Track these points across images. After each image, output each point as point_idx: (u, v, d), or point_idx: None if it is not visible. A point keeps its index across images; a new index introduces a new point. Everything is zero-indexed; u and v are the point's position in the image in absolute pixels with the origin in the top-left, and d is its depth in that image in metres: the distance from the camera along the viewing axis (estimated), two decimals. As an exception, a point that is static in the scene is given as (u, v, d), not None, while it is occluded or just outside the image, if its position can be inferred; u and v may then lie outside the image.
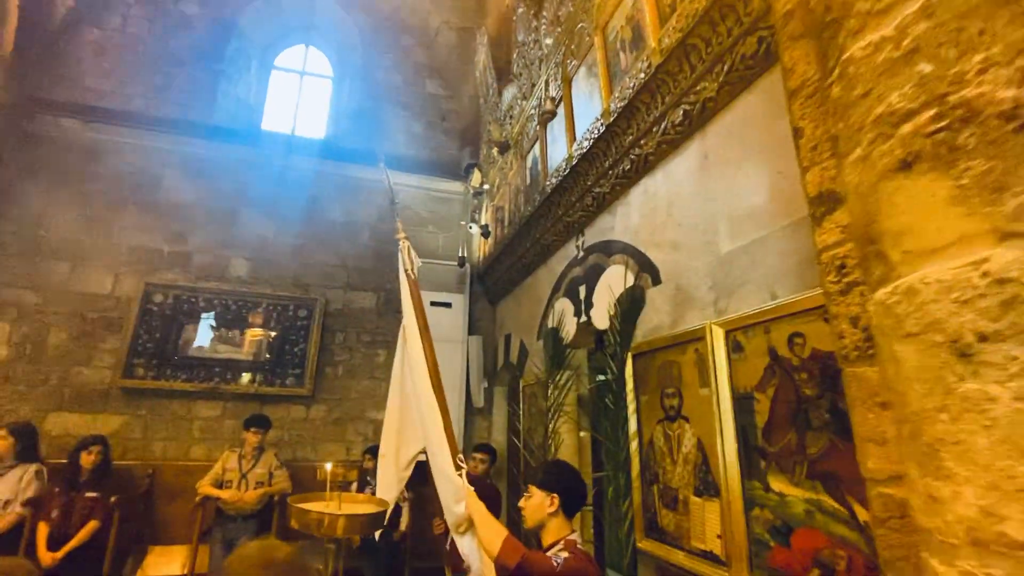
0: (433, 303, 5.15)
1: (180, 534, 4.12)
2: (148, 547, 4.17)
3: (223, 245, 5.17)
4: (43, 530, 3.60)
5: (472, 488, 1.83)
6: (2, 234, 4.64)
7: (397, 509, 4.41)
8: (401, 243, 2.39)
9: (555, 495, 1.72)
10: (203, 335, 4.82)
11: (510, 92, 4.35)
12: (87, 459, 3.84)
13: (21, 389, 4.39)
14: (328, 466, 2.27)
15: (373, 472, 4.44)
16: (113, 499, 3.79)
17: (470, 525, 1.82)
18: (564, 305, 3.48)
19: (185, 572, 3.87)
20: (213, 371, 4.75)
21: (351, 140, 5.88)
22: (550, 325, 3.66)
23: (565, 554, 1.56)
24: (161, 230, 5.03)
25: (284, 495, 4.28)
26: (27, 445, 3.89)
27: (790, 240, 1.68)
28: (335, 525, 1.98)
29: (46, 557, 3.51)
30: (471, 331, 5.26)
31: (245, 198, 5.31)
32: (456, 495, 1.86)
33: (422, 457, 3.34)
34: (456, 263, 5.18)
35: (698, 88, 2.12)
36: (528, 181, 3.97)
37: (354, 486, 4.46)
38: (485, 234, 4.39)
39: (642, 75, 2.34)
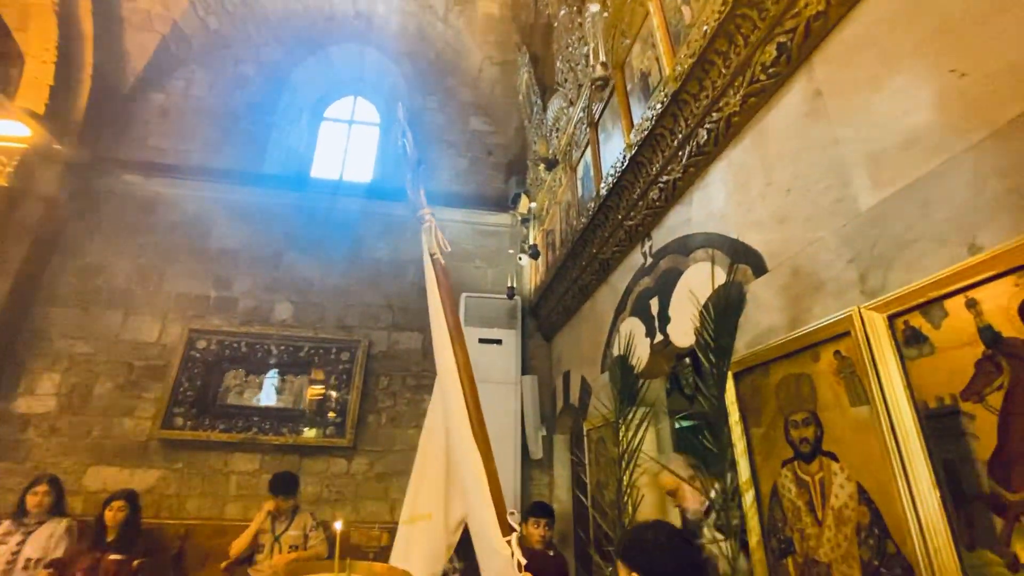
0: (482, 340, 4.68)
1: (208, 607, 3.66)
2: (174, 621, 3.74)
3: (268, 289, 5.03)
4: (63, 599, 3.25)
5: (524, 562, 1.26)
6: (63, 286, 4.72)
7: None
8: (425, 219, 1.94)
9: (635, 574, 1.15)
10: (266, 390, 4.57)
11: (555, 104, 4.02)
12: (110, 516, 3.54)
13: (64, 441, 4.26)
14: (338, 525, 1.76)
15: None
16: (136, 563, 3.42)
17: None
18: (632, 326, 2.89)
19: (208, 654, 3.37)
20: (251, 420, 4.45)
21: (397, 180, 5.75)
22: (616, 353, 3.06)
23: None
24: (208, 276, 4.97)
25: (319, 558, 3.76)
26: (59, 498, 3.67)
27: (995, 157, 1.08)
28: None
29: (62, 634, 3.14)
30: (524, 371, 4.70)
31: (291, 241, 5.21)
32: (504, 574, 1.28)
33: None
34: (505, 296, 4.73)
35: (794, 10, 1.62)
36: (580, 192, 3.52)
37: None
38: (534, 255, 3.93)
39: (716, 15, 1.88)
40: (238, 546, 3.65)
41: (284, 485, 3.72)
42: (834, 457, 1.43)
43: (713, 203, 2.15)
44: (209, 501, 4.23)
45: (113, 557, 3.43)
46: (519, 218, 4.71)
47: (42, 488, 3.57)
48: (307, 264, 5.15)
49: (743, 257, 1.92)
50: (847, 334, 1.40)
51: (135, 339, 4.65)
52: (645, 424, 2.80)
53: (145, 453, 4.30)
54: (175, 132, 5.58)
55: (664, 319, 2.51)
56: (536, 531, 3.40)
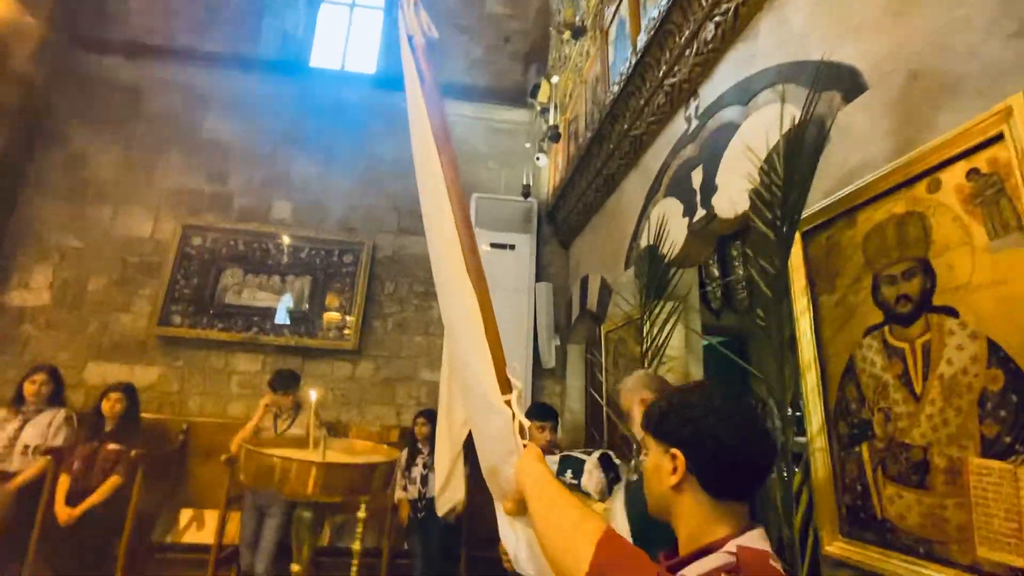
0: (493, 245, 4.33)
1: (214, 498, 3.63)
2: (180, 510, 3.74)
3: (265, 186, 4.67)
4: (63, 483, 3.20)
5: (528, 424, 0.94)
6: (48, 177, 4.42)
7: (453, 485, 3.64)
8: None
9: (676, 451, 0.82)
10: (266, 291, 4.33)
11: (586, -42, 3.39)
12: (107, 407, 3.42)
13: (62, 336, 4.13)
14: (313, 394, 1.50)
15: (427, 439, 3.72)
16: (134, 453, 3.34)
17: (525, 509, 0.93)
18: (666, 208, 2.49)
19: (214, 543, 3.36)
20: (251, 320, 4.26)
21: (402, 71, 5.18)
22: (644, 245, 2.69)
23: None
24: (202, 170, 4.62)
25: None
26: (58, 389, 3.57)
27: None
28: (304, 480, 1.20)
29: (63, 513, 3.11)
30: (539, 278, 4.37)
31: (289, 135, 4.78)
32: (502, 441, 0.95)
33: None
34: (519, 198, 4.32)
35: None
36: (611, 58, 2.99)
37: (404, 454, 3.76)
38: (555, 137, 3.48)
39: None
40: (238, 441, 3.55)
41: (283, 381, 3.55)
42: (951, 312, 1.07)
43: (791, 23, 1.67)
44: (211, 400, 4.12)
45: (111, 447, 3.35)
46: (538, 109, 4.19)
47: (40, 377, 3.46)
48: (307, 160, 4.75)
49: (829, 82, 1.47)
50: (998, 139, 0.99)
51: (127, 235, 4.39)
52: (673, 319, 2.48)
53: (144, 350, 4.16)
54: (158, 9, 5.02)
55: (708, 191, 2.10)
56: (540, 435, 3.22)
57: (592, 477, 1.86)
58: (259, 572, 3.29)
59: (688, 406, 0.85)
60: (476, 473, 3.28)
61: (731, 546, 0.74)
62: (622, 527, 1.48)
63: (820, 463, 1.37)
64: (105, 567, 3.19)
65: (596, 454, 1.97)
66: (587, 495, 1.86)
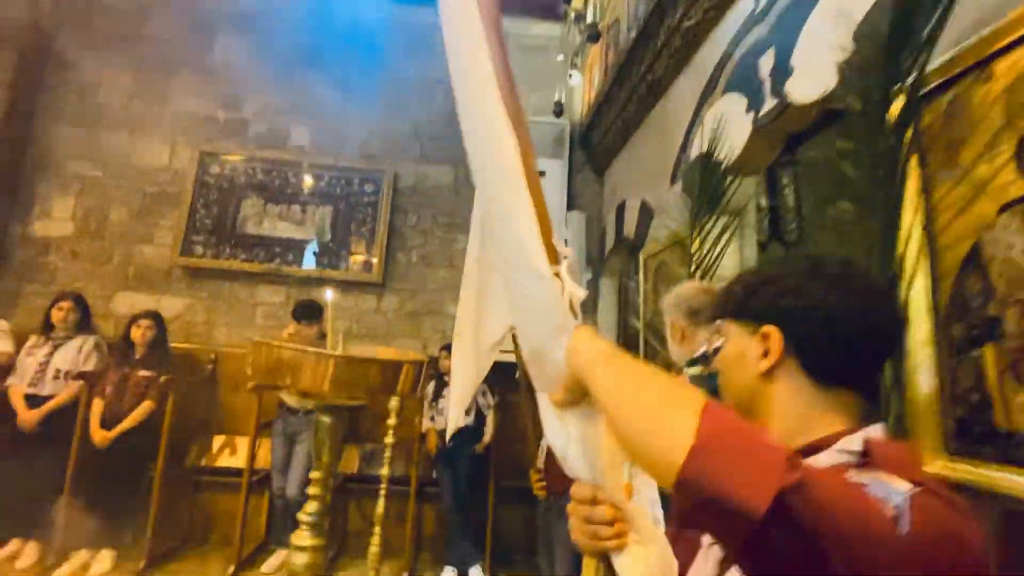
0: (522, 171, 4.04)
1: (245, 425, 3.65)
2: (212, 436, 3.79)
3: (281, 111, 4.45)
4: (97, 407, 3.24)
5: (582, 295, 0.74)
6: (62, 104, 4.28)
7: (480, 418, 3.59)
8: None
9: (772, 329, 0.61)
10: (287, 220, 4.19)
11: None
12: (137, 334, 3.41)
13: (87, 267, 4.11)
14: (329, 293, 1.33)
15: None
16: (164, 379, 3.34)
17: (583, 395, 0.73)
18: (725, 107, 2.18)
19: (245, 467, 3.39)
20: (274, 251, 4.15)
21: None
22: (696, 153, 2.41)
23: (901, 485, 0.45)
24: (215, 95, 4.40)
25: (349, 390, 3.61)
26: (85, 316, 3.56)
27: None
28: (320, 375, 1.04)
29: (98, 435, 3.15)
30: (570, 207, 4.11)
31: (304, 56, 4.48)
32: (551, 318, 0.73)
33: (508, 346, 2.43)
34: (549, 120, 3.99)
35: None
36: (662, -61, 2.59)
37: (431, 386, 3.70)
38: (593, 37, 3.11)
39: None
40: (265, 370, 3.52)
41: (305, 311, 3.47)
42: None
43: None
44: (237, 330, 4.10)
45: (142, 374, 3.36)
46: (572, 17, 3.78)
47: (66, 304, 3.44)
48: (324, 83, 4.47)
49: None
50: None
51: (145, 163, 4.27)
52: (727, 236, 2.23)
53: (168, 280, 4.13)
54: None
55: (781, 75, 1.79)
56: None
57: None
58: (290, 495, 3.33)
59: (785, 274, 0.64)
60: (504, 403, 3.18)
61: (850, 441, 0.55)
62: None
63: (923, 377, 1.16)
64: (141, 490, 3.27)
65: None
66: None
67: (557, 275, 0.75)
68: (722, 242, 2.20)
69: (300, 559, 1.05)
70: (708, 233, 2.26)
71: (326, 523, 1.12)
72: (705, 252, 2.25)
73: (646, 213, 3.02)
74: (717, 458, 0.43)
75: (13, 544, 3.11)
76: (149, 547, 3.14)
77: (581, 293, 0.74)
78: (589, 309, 4.18)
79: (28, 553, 3.06)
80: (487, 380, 2.69)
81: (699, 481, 0.42)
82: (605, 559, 0.68)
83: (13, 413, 3.17)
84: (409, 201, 4.39)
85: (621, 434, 0.55)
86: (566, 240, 4.00)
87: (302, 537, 1.07)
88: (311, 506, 1.08)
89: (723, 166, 2.16)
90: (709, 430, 0.44)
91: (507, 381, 3.63)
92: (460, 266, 3.64)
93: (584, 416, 0.72)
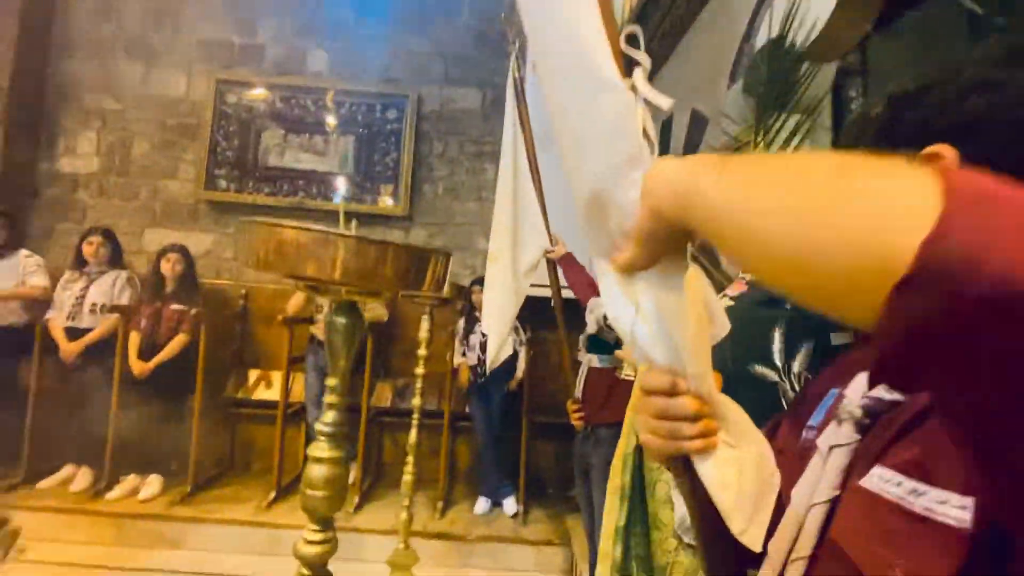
0: (556, 89, 3.70)
1: (277, 359, 3.65)
2: (248, 370, 3.82)
3: (297, 34, 4.17)
4: (134, 339, 3.26)
5: (669, 103, 0.51)
6: (75, 34, 4.12)
7: (513, 355, 3.46)
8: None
9: (939, 148, 0.40)
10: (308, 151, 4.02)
11: None
12: (167, 267, 3.38)
13: (115, 203, 4.08)
14: (353, 228, 1.15)
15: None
16: (195, 312, 3.32)
17: (662, 248, 0.50)
18: (803, -23, 1.81)
19: (280, 399, 3.40)
20: (297, 184, 4.01)
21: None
22: (763, 42, 2.05)
23: None
24: (228, 19, 4.14)
25: (379, 323, 3.55)
26: (116, 251, 3.55)
27: None
28: (329, 260, 0.88)
29: (137, 366, 3.18)
30: (609, 128, 3.76)
31: (318, -28, 4.15)
32: (619, 143, 0.47)
33: (551, 253, 2.25)
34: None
35: None
36: None
37: (461, 321, 3.58)
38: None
39: None
40: (294, 303, 3.46)
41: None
42: None
43: None
44: (266, 266, 4.04)
45: (174, 307, 3.35)
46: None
47: (96, 239, 3.42)
48: (340, 1, 4.15)
49: None
50: None
51: (162, 94, 4.11)
52: (799, 137, 1.92)
53: (195, 216, 4.06)
54: None
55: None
56: None
57: None
58: (325, 427, 3.34)
59: (951, 80, 0.40)
60: (536, 340, 3.02)
61: None
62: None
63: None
64: (183, 420, 3.33)
65: None
66: None
67: (632, 89, 0.51)
68: (793, 144, 1.89)
69: (317, 471, 0.90)
70: (776, 135, 1.95)
71: (344, 435, 0.94)
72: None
73: (698, 123, 2.68)
74: (993, 227, 0.21)
75: (67, 469, 3.25)
76: (193, 473, 3.23)
77: (665, 102, 0.50)
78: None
79: (81, 478, 3.19)
80: (518, 317, 2.54)
81: (965, 271, 0.21)
82: (684, 466, 0.50)
83: (55, 346, 3.23)
84: (434, 128, 4.12)
85: (772, 258, 0.32)
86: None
87: (319, 448, 0.90)
88: (328, 416, 0.91)
89: (798, 50, 1.82)
90: (959, 203, 0.22)
91: (539, 317, 3.50)
92: (490, 199, 3.44)
93: (660, 280, 0.50)
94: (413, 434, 2.38)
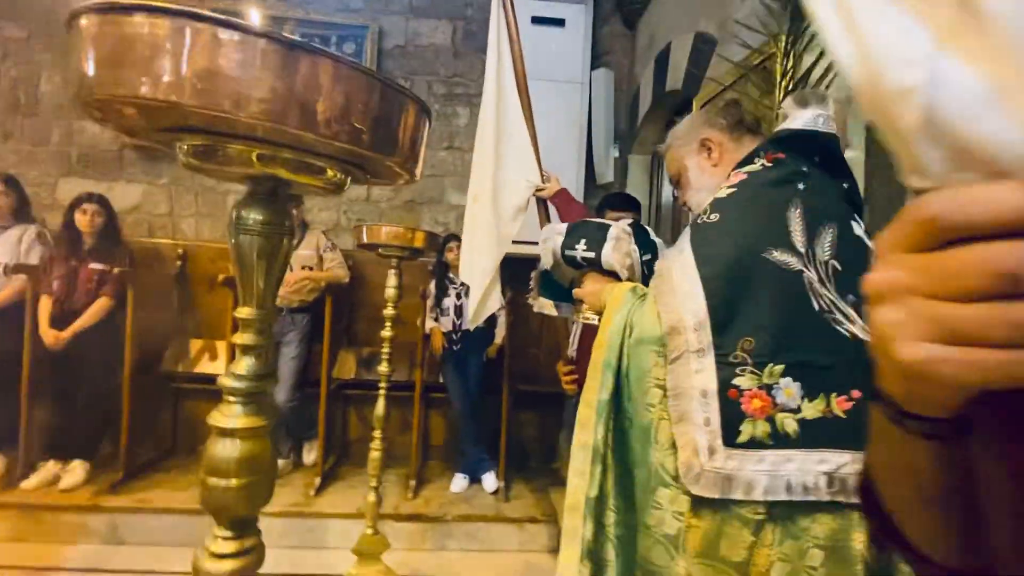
0: (536, 20, 3.28)
1: (222, 328, 3.22)
2: (189, 340, 3.37)
3: (235, -49, 3.58)
4: (45, 304, 2.77)
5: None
6: (-39, -58, 3.43)
7: (491, 318, 3.12)
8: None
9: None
10: None
11: None
12: (83, 220, 2.87)
13: (24, 149, 3.48)
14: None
15: (458, 267, 3.13)
16: (117, 271, 2.85)
17: None
18: None
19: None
20: (241, 128, 3.49)
21: None
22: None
23: None
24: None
25: (339, 285, 3.15)
26: (22, 203, 3.01)
27: None
28: (196, 66, 0.51)
29: (49, 336, 2.71)
30: (595, 66, 3.38)
31: None
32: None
33: (542, 191, 1.92)
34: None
35: None
36: None
37: (432, 284, 3.21)
38: None
39: None
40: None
41: (282, 192, 2.90)
42: None
43: None
44: (207, 222, 3.55)
45: (93, 266, 2.86)
46: None
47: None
48: (285, -86, 3.57)
49: None
50: None
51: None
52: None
53: (120, 164, 3.51)
54: None
55: None
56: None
57: (619, 247, 1.13)
58: (280, 401, 2.96)
59: None
60: (516, 304, 2.67)
61: None
62: (687, 284, 0.78)
63: None
64: (112, 398, 2.89)
65: (625, 220, 1.24)
66: (608, 273, 1.15)
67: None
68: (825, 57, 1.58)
69: (224, 450, 0.51)
70: (806, 45, 1.64)
71: (263, 392, 0.52)
72: (802, 70, 1.64)
73: (704, 47, 2.33)
74: None
75: (-26, 456, 2.78)
76: (125, 458, 2.81)
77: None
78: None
79: (-9, 465, 2.74)
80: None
81: None
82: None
83: (-52, 314, 2.72)
84: (398, 65, 3.65)
85: None
86: (590, 105, 3.31)
87: (228, 414, 0.48)
88: (241, 364, 0.49)
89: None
90: None
91: (520, 278, 3.16)
92: (462, 147, 3.05)
93: None
94: (380, 406, 2.09)
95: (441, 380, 3.18)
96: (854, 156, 1.76)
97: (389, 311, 2.09)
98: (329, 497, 2.86)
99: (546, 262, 1.31)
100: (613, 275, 1.15)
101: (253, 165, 0.61)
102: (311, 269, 3.05)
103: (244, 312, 0.66)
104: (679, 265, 0.83)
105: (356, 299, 3.49)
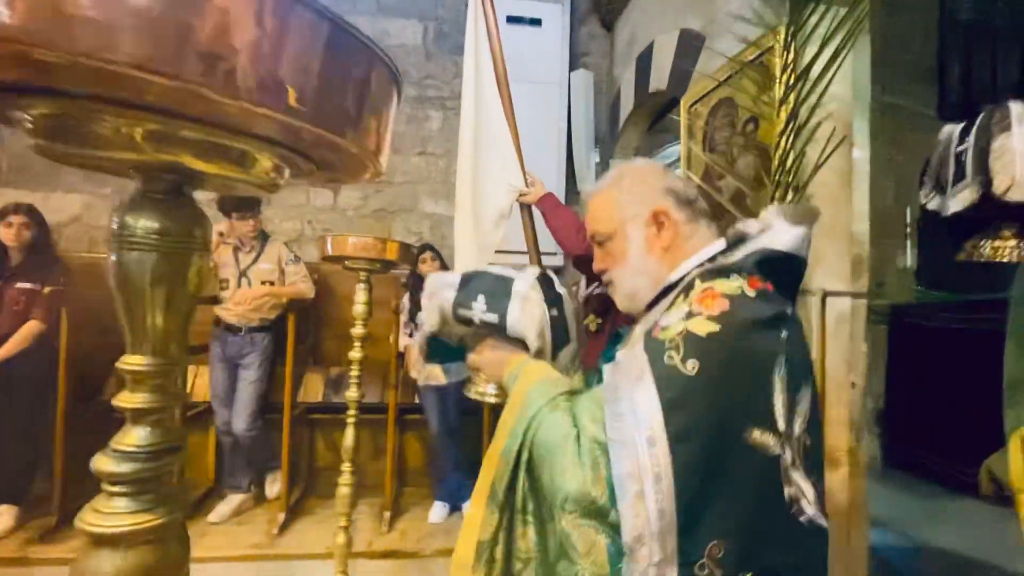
0: (511, 19, 3.14)
1: (175, 351, 2.91)
2: (136, 366, 3.05)
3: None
4: (-36, 330, 2.45)
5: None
6: None
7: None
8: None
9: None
10: None
11: None
12: (8, 234, 2.57)
13: (-57, 156, 3.13)
14: None
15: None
16: (48, 290, 2.55)
17: None
18: None
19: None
20: (193, 133, 3.23)
21: None
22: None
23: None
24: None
25: (303, 301, 2.91)
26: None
27: None
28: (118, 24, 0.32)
29: (-34, 367, 2.39)
30: (573, 66, 3.26)
31: None
32: None
33: (526, 196, 1.78)
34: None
35: None
36: None
37: (406, 298, 3.01)
38: None
39: None
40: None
41: (237, 202, 2.66)
42: None
43: None
44: (157, 235, 3.25)
45: (20, 286, 2.55)
46: None
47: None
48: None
49: None
50: None
51: None
52: (843, 36, 1.51)
53: (57, 172, 3.19)
54: None
55: None
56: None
57: (528, 309, 0.90)
58: (238, 429, 2.70)
59: None
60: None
61: None
62: (649, 459, 0.62)
63: None
64: (47, 437, 2.57)
65: (531, 270, 1.01)
66: (515, 342, 0.91)
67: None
68: (838, 39, 1.47)
69: (102, 566, 0.25)
70: (812, 32, 1.53)
71: (173, 475, 0.27)
72: (807, 64, 1.53)
73: (690, 44, 2.22)
74: None
75: None
76: (60, 501, 2.49)
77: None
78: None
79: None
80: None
81: None
82: None
83: None
84: (367, 68, 3.45)
85: None
86: (569, 108, 3.17)
87: (107, 508, 0.21)
88: (130, 437, 0.22)
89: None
90: None
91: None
92: (436, 152, 2.82)
93: None
94: (349, 436, 1.86)
95: (417, 401, 2.96)
96: (860, 156, 1.66)
97: (358, 330, 1.87)
98: (295, 535, 2.60)
99: (431, 324, 1.01)
100: (518, 340, 0.91)
101: (139, 148, 0.41)
102: (272, 284, 2.80)
103: (133, 361, 0.47)
104: (634, 420, 0.64)
105: (322, 315, 3.24)
